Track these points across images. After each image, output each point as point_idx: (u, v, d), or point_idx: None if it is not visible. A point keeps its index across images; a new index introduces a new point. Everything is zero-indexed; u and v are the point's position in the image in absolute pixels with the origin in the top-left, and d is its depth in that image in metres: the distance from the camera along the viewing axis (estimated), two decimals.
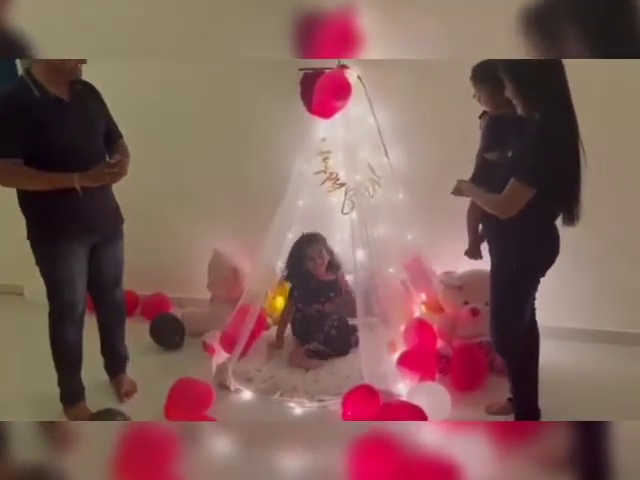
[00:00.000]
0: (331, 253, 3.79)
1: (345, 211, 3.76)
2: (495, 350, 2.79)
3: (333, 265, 3.77)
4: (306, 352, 3.50)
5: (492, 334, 2.67)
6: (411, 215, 3.52)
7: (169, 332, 3.92)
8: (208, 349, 3.62)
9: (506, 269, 2.51)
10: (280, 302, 3.98)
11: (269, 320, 3.91)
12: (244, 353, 3.44)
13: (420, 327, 3.33)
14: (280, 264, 3.85)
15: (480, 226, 2.83)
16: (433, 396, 2.86)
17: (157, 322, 3.97)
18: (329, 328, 3.54)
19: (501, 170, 2.44)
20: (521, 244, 2.47)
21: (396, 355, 3.25)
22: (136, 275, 4.24)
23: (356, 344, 3.50)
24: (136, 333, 3.65)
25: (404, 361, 3.10)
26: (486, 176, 2.63)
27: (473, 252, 2.88)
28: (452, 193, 2.70)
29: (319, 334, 3.53)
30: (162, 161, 4.13)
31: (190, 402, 2.95)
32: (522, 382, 2.67)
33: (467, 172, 2.80)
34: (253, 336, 3.52)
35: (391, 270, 3.58)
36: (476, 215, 2.76)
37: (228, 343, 3.44)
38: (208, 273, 4.01)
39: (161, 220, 4.28)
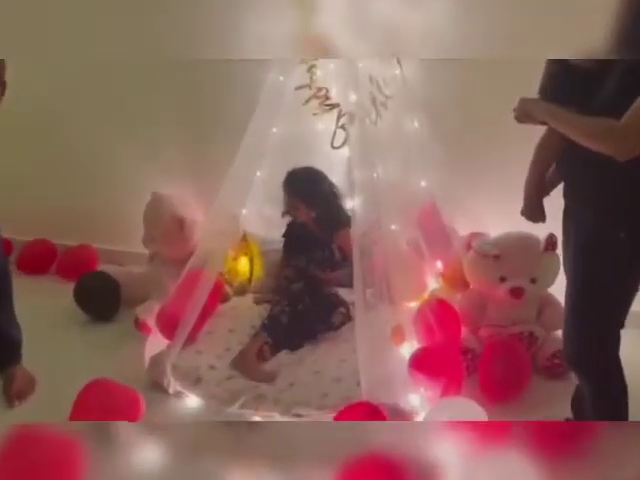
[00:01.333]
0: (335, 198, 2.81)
1: (336, 144, 2.77)
2: (567, 364, 1.87)
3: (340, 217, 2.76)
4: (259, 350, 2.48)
5: (568, 344, 1.74)
6: (428, 152, 2.62)
7: (102, 296, 2.90)
8: (142, 327, 2.65)
9: (605, 241, 1.56)
10: (244, 265, 2.98)
11: (228, 290, 2.91)
12: (191, 339, 2.46)
13: (439, 309, 2.38)
14: (245, 212, 2.85)
15: (550, 172, 1.84)
16: (463, 417, 1.94)
17: (85, 282, 2.94)
18: (279, 312, 2.59)
19: (603, 77, 1.46)
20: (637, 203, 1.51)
21: (403, 348, 2.32)
22: (54, 220, 3.24)
23: (340, 324, 2.57)
24: (52, 297, 2.99)
25: (419, 362, 2.17)
26: (569, 89, 1.62)
27: (533, 210, 1.90)
28: (516, 118, 1.69)
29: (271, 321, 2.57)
30: (87, 76, 3.03)
31: (104, 415, 1.98)
32: (610, 407, 1.75)
33: (514, 93, 1.75)
34: (205, 314, 2.54)
35: (395, 227, 2.60)
36: (551, 153, 1.77)
37: (167, 324, 2.46)
38: (144, 224, 2.97)
39: (87, 150, 3.21)
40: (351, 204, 2.40)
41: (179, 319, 2.39)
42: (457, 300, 2.52)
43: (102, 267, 3.26)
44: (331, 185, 2.81)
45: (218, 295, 2.74)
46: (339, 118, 2.70)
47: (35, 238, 3.42)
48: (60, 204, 3.41)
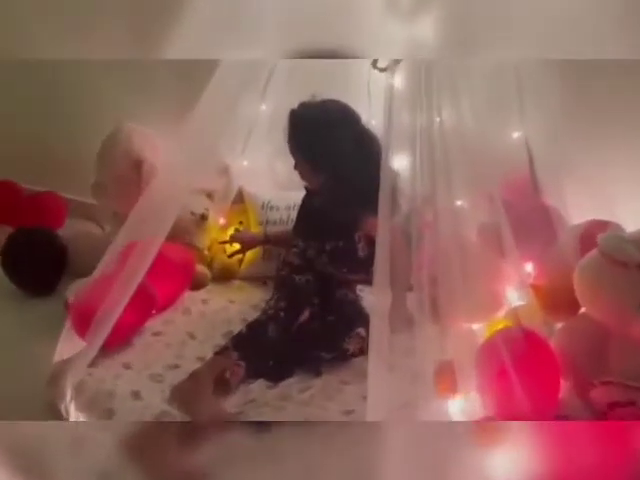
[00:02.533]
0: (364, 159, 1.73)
1: (380, 64, 1.81)
2: None
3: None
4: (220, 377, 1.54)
5: None
6: (531, 88, 1.70)
7: (35, 262, 2.06)
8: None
9: None
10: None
11: (205, 272, 1.99)
12: (116, 342, 1.56)
13: (522, 345, 1.34)
14: (246, 164, 1.95)
15: None
16: None
17: (15, 242, 2.11)
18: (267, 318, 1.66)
19: None
20: None
21: (452, 404, 1.34)
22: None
23: (358, 353, 1.62)
24: None
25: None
26: None
27: None
28: None
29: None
30: None
31: None
32: None
33: None
34: (150, 304, 1.63)
35: (462, 204, 1.63)
36: None
37: (83, 317, 1.56)
38: (96, 165, 2.08)
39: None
40: (393, 165, 1.48)
41: (100, 309, 1.50)
42: (555, 332, 1.49)
43: (67, 222, 2.44)
44: (362, 135, 1.79)
45: (182, 278, 1.83)
46: None
47: None
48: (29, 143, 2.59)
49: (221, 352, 1.59)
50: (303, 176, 1.84)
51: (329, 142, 1.73)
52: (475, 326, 1.58)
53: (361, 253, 1.76)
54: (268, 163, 2.12)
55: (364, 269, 1.80)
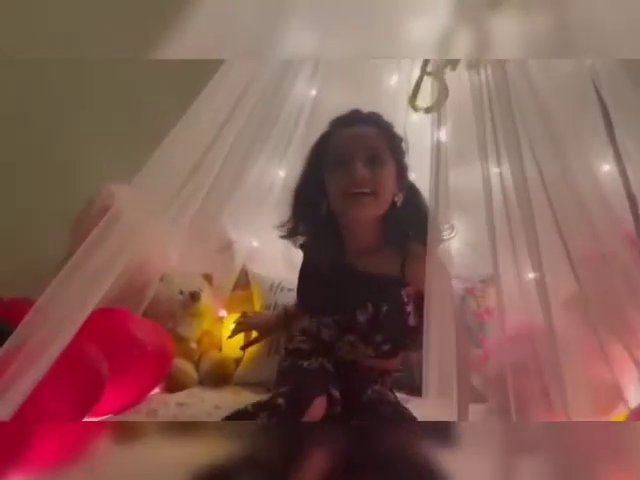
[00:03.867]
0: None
1: (421, 103, 1.45)
2: None
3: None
4: None
5: None
6: None
7: None
8: None
9: None
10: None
11: (188, 371, 1.48)
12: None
13: None
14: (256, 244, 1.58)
15: None
16: None
17: None
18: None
19: None
20: None
21: None
22: None
23: None
24: None
25: None
26: None
27: None
28: None
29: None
30: None
31: None
32: None
33: None
34: (94, 392, 1.12)
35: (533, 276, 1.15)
36: None
37: None
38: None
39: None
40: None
41: None
42: None
43: None
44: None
45: (151, 367, 1.32)
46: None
47: None
48: None
49: None
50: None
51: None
52: None
53: (412, 321, 1.24)
54: (284, 244, 1.69)
55: (407, 347, 1.28)
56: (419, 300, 1.17)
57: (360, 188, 1.22)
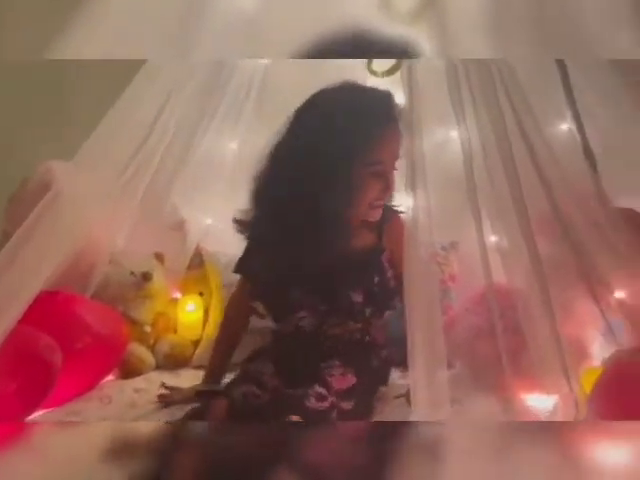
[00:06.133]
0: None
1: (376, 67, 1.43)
2: None
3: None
4: None
5: None
6: None
7: None
8: None
9: None
10: (193, 314, 1.52)
11: (143, 356, 1.42)
12: None
13: None
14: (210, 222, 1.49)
15: None
16: None
17: None
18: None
19: None
20: None
21: None
22: None
23: None
24: None
25: None
26: None
27: None
28: None
29: None
30: None
31: None
32: None
33: None
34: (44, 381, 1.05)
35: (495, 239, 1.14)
36: None
37: None
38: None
39: None
40: None
41: None
42: None
43: None
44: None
45: (104, 353, 1.25)
46: None
47: None
48: None
49: None
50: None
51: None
52: None
53: (392, 284, 1.21)
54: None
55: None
56: (395, 263, 1.19)
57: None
